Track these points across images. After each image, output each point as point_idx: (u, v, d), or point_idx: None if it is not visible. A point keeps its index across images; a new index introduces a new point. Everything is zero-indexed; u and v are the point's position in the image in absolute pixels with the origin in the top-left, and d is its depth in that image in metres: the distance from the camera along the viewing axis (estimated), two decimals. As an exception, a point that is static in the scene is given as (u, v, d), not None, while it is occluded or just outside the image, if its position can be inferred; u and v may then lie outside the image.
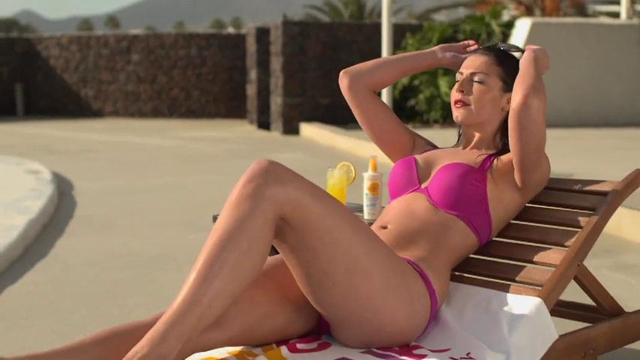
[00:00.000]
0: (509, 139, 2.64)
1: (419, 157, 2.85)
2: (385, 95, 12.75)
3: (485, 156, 2.77)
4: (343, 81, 3.00)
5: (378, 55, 14.12)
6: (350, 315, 2.36)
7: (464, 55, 2.95)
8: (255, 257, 2.19)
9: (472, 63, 2.83)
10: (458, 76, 2.85)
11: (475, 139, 2.86)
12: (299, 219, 2.26)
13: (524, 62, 2.68)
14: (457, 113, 2.82)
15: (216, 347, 2.34)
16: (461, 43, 3.00)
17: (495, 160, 2.74)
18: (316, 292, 2.35)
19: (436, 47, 3.00)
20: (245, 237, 2.17)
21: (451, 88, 13.72)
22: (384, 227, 2.67)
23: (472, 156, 2.79)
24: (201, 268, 2.14)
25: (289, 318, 2.46)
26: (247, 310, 2.37)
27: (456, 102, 2.82)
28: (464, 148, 2.89)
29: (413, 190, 2.75)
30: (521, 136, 2.59)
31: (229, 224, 2.19)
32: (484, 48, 2.89)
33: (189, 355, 2.28)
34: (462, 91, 2.80)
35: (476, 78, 2.80)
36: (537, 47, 2.74)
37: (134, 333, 2.21)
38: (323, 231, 2.27)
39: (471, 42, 3.00)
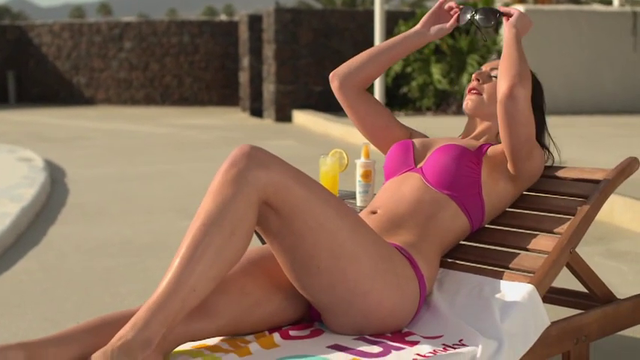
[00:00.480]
0: (500, 130, 2.65)
1: (416, 141, 2.87)
2: (377, 83, 12.74)
3: (482, 143, 2.78)
4: (333, 83, 3.00)
5: (371, 42, 14.11)
6: (337, 301, 2.35)
7: (448, 25, 2.90)
8: (238, 241, 2.19)
9: (494, 62, 2.90)
10: (477, 72, 2.91)
11: (477, 131, 2.88)
12: (282, 202, 2.25)
13: (507, 42, 2.69)
14: (468, 100, 2.87)
15: (206, 337, 2.34)
16: (436, 4, 2.96)
17: (492, 148, 2.75)
18: (302, 277, 2.35)
19: (418, 26, 2.94)
20: (228, 221, 2.17)
21: (444, 75, 13.73)
22: (374, 212, 2.68)
23: (470, 142, 2.80)
24: (185, 253, 2.14)
25: (280, 306, 2.45)
26: (237, 300, 2.36)
27: (470, 89, 2.88)
28: (463, 137, 2.91)
29: (407, 170, 2.76)
30: (510, 125, 2.60)
31: (212, 209, 2.19)
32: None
33: (180, 344, 2.28)
34: (478, 80, 2.86)
35: (494, 73, 2.87)
36: (515, 15, 2.74)
37: (124, 321, 2.20)
38: (307, 215, 2.27)
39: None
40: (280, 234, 2.31)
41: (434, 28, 2.93)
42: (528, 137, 2.63)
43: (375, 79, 3.01)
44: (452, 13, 2.92)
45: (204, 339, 2.34)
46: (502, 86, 2.58)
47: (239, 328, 2.39)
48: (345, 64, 3.00)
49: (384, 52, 2.96)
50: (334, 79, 2.99)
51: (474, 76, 2.88)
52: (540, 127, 2.89)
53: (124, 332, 2.07)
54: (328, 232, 2.29)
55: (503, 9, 2.81)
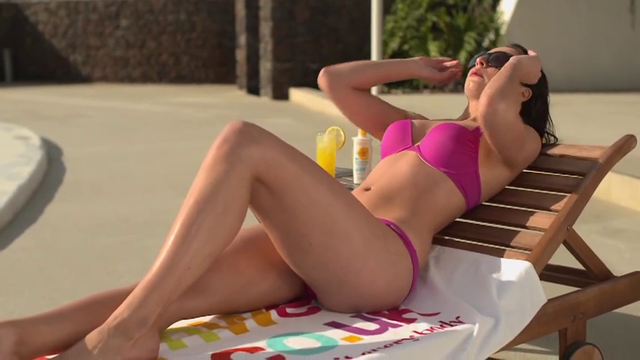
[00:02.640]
0: (486, 137, 2.67)
1: (415, 121, 2.88)
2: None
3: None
4: (322, 81, 3.02)
5: (368, 20, 14.06)
6: (330, 278, 2.35)
7: (445, 74, 3.02)
8: (231, 218, 2.19)
9: (499, 48, 2.94)
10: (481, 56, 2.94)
11: (476, 114, 2.89)
12: (275, 179, 2.25)
13: (504, 65, 2.71)
14: (470, 81, 2.89)
15: (200, 315, 2.34)
16: (439, 58, 3.07)
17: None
18: (294, 255, 2.35)
19: (418, 58, 3.05)
20: (221, 199, 2.17)
21: (441, 53, 13.70)
22: (368, 189, 2.68)
23: (468, 122, 2.81)
24: (179, 231, 2.14)
25: (274, 284, 2.46)
26: (231, 278, 2.36)
27: (472, 73, 2.89)
28: (462, 120, 2.92)
29: (404, 149, 2.76)
30: (493, 136, 2.63)
31: (205, 186, 2.18)
32: (511, 45, 2.98)
33: (173, 322, 2.28)
34: (482, 64, 2.89)
35: None
36: (529, 56, 2.80)
37: (118, 299, 2.20)
38: (299, 191, 2.26)
39: (452, 58, 3.06)
40: (272, 211, 2.30)
41: (429, 68, 3.03)
42: (514, 139, 2.66)
43: (364, 87, 3.04)
44: (448, 69, 3.03)
45: (198, 317, 2.35)
46: (482, 99, 2.61)
47: (234, 306, 2.39)
48: (337, 65, 3.05)
49: (378, 66, 3.05)
50: (324, 76, 3.01)
51: (478, 59, 2.90)
52: (543, 117, 2.91)
53: (120, 311, 2.07)
54: (320, 208, 2.28)
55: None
